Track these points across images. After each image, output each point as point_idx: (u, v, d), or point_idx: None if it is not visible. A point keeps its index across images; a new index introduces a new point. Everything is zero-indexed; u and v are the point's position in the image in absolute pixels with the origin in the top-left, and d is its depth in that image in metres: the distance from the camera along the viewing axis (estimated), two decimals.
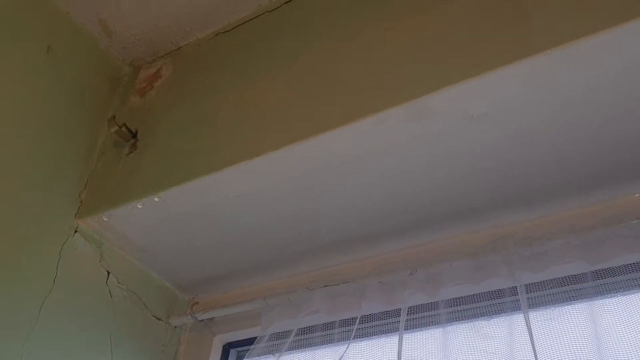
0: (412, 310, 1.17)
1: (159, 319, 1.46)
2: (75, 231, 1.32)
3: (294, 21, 1.33)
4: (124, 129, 1.38)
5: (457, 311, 1.12)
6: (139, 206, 1.26)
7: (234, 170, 1.17)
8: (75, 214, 1.33)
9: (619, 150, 1.01)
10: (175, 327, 1.48)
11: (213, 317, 1.45)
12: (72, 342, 1.24)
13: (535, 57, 0.92)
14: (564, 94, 0.95)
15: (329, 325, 1.27)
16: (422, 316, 1.16)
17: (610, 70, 0.91)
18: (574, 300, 1.04)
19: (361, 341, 1.22)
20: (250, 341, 1.41)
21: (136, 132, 1.39)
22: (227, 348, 1.47)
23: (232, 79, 1.33)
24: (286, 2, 1.38)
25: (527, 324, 1.00)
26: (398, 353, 1.10)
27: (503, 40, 0.96)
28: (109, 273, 1.36)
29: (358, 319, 1.20)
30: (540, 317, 1.04)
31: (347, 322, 1.23)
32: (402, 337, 1.12)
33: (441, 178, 1.11)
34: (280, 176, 1.16)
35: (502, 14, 1.00)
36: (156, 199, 1.24)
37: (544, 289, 1.06)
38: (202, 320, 1.44)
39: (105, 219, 1.30)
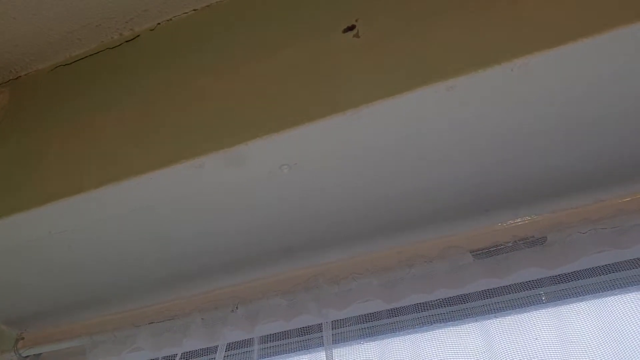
0: (230, 346, 1.22)
1: None
2: None
3: (131, 60, 1.35)
4: None
5: (269, 347, 1.18)
6: None
7: (57, 206, 1.16)
8: None
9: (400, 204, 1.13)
10: None
11: (41, 353, 1.42)
12: None
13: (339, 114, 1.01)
14: (363, 150, 1.05)
15: None
16: (238, 352, 1.21)
17: (405, 131, 1.02)
18: (372, 336, 1.14)
19: None
20: None
21: None
22: None
23: (66, 112, 1.32)
24: (127, 41, 1.40)
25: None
26: None
27: (311, 96, 1.05)
28: None
29: (179, 356, 1.23)
30: (343, 352, 1.13)
31: (169, 359, 1.25)
32: None
33: (260, 219, 1.18)
34: (103, 214, 1.17)
35: (313, 71, 1.09)
36: None
37: (346, 325, 1.15)
38: (26, 356, 1.40)
39: None
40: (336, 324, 1.16)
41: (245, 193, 1.13)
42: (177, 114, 1.17)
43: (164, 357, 1.27)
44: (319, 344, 1.14)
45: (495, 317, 1.07)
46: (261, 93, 1.12)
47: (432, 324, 1.09)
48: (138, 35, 1.40)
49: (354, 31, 1.09)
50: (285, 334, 1.22)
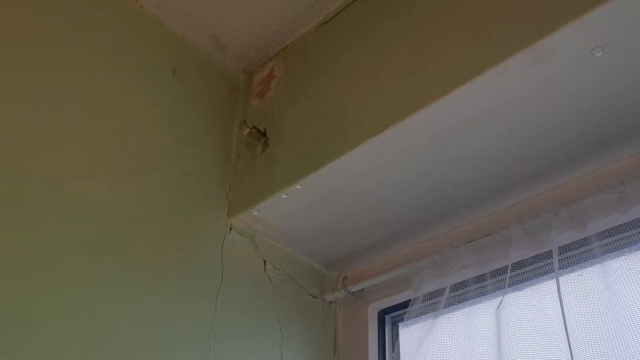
0: (563, 249, 1.19)
1: (315, 297, 1.58)
2: (231, 228, 1.46)
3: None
4: (254, 130, 1.50)
5: (612, 242, 1.13)
6: (283, 196, 1.37)
7: (364, 148, 1.24)
8: (227, 213, 1.47)
9: None
10: (330, 302, 1.60)
11: (363, 288, 1.55)
12: (248, 328, 1.38)
13: None
14: None
15: (480, 278, 1.31)
16: (575, 253, 1.17)
17: None
18: None
19: (516, 289, 1.25)
20: (402, 305, 1.49)
21: (265, 132, 1.51)
22: (382, 315, 1.56)
23: (342, 64, 1.40)
24: None
25: None
26: (558, 295, 1.13)
27: None
28: (265, 261, 1.49)
29: (509, 267, 1.24)
30: None
31: (499, 272, 1.27)
32: (558, 278, 1.15)
33: (572, 113, 1.12)
34: (408, 144, 1.22)
35: None
36: (298, 187, 1.34)
37: None
38: (354, 292, 1.55)
39: (255, 213, 1.43)
40: None
41: (553, 88, 1.08)
42: (460, 30, 1.16)
43: (492, 272, 1.29)
44: None
45: None
46: None
47: None
48: None
49: None
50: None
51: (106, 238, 1.22)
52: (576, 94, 1.09)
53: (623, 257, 1.12)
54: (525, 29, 1.04)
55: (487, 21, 1.12)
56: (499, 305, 1.23)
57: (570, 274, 1.17)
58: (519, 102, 1.11)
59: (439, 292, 1.35)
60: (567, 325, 1.07)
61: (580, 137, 1.16)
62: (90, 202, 1.22)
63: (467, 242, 1.33)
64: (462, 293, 1.34)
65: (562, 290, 1.13)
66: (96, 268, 1.17)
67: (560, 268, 1.16)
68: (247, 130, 1.49)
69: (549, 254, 1.19)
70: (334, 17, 1.52)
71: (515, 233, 1.25)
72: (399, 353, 1.41)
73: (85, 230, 1.19)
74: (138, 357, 1.16)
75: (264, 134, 1.51)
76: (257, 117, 1.57)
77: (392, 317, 1.56)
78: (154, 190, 1.36)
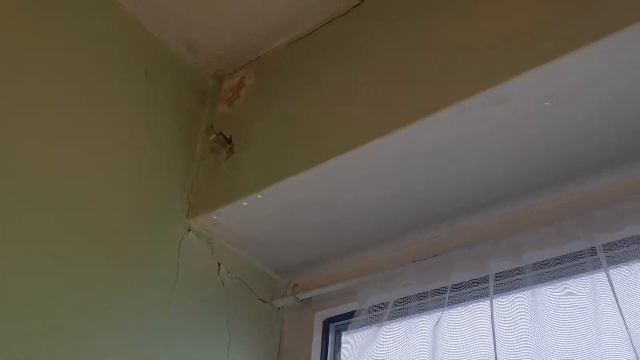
0: (499, 275, 1.30)
1: (264, 302, 1.64)
2: (189, 230, 1.50)
3: (362, 24, 1.45)
4: (220, 136, 1.54)
5: (543, 273, 1.24)
6: (244, 203, 1.42)
7: (327, 166, 1.31)
8: (187, 215, 1.51)
9: None
10: (278, 308, 1.66)
11: (312, 297, 1.62)
12: (198, 328, 1.43)
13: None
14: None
15: (422, 296, 1.40)
16: (509, 280, 1.28)
17: None
18: None
19: (454, 308, 1.35)
20: (346, 316, 1.57)
21: (231, 138, 1.56)
22: (326, 323, 1.63)
23: (312, 83, 1.47)
24: (355, 7, 1.50)
25: (608, 280, 1.11)
26: (491, 317, 1.23)
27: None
28: (219, 264, 1.54)
29: (449, 287, 1.34)
30: (620, 273, 1.15)
31: (440, 291, 1.36)
32: (492, 301, 1.25)
33: (522, 153, 1.23)
34: (368, 167, 1.30)
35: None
36: (259, 196, 1.40)
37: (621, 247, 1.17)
38: (302, 300, 1.61)
39: (214, 217, 1.48)
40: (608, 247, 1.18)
41: (506, 133, 1.18)
42: (428, 62, 1.25)
43: (433, 291, 1.38)
44: (594, 267, 1.17)
45: None
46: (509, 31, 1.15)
47: None
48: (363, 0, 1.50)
49: None
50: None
51: (66, 230, 1.24)
52: (526, 137, 1.19)
53: (552, 287, 1.23)
54: (485, 73, 1.13)
55: (453, 59, 1.21)
56: (437, 322, 1.32)
57: (504, 299, 1.28)
58: (476, 138, 1.20)
59: (383, 306, 1.43)
60: (497, 346, 1.18)
61: (525, 176, 1.27)
62: (53, 194, 1.25)
63: (413, 262, 1.42)
64: (404, 308, 1.42)
65: (494, 314, 1.23)
66: (53, 261, 1.19)
67: (494, 293, 1.26)
68: (213, 136, 1.53)
69: (485, 279, 1.29)
70: (307, 35, 1.59)
71: (457, 257, 1.35)
72: None
73: (46, 222, 1.21)
74: (88, 353, 1.18)
75: (229, 141, 1.56)
76: (224, 123, 1.62)
77: (336, 325, 1.64)
78: (115, 185, 1.39)
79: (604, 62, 1.04)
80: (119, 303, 1.28)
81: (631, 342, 1.04)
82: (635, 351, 1.02)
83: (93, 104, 1.42)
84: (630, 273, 1.13)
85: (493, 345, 1.19)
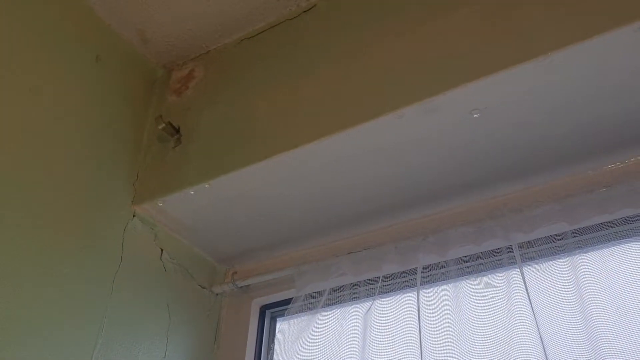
0: (426, 268, 1.42)
1: (204, 288, 1.70)
2: (134, 215, 1.54)
3: (311, 28, 1.54)
4: (168, 125, 1.59)
5: (465, 267, 1.38)
6: (191, 192, 1.48)
7: (273, 161, 1.38)
8: (132, 201, 1.55)
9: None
10: (217, 294, 1.72)
11: (250, 284, 1.69)
12: (140, 310, 1.47)
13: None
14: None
15: (355, 285, 1.51)
16: (435, 273, 1.41)
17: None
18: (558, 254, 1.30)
19: (384, 297, 1.46)
20: (282, 303, 1.66)
21: (179, 128, 1.60)
22: (263, 310, 1.71)
23: (261, 79, 1.54)
24: (305, 11, 1.59)
25: (521, 275, 1.26)
26: (417, 306, 1.35)
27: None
28: (162, 250, 1.59)
29: (380, 278, 1.45)
30: (532, 270, 1.30)
31: (372, 281, 1.47)
32: (419, 292, 1.37)
33: (447, 161, 1.35)
34: (310, 164, 1.38)
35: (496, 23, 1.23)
36: (206, 186, 1.46)
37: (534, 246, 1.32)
38: (241, 287, 1.68)
39: (160, 204, 1.52)
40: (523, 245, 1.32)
41: (438, 140, 1.30)
42: (370, 70, 1.35)
43: (365, 280, 1.49)
44: (510, 263, 1.32)
45: None
46: (446, 48, 1.27)
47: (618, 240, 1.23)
48: (314, 5, 1.58)
49: None
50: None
51: (8, 212, 1.26)
52: (455, 144, 1.32)
53: (472, 280, 1.37)
54: (421, 84, 1.25)
55: (395, 67, 1.32)
56: (368, 310, 1.43)
57: (429, 290, 1.40)
58: (411, 143, 1.32)
59: (318, 294, 1.53)
60: (422, 332, 1.30)
61: (454, 180, 1.40)
62: None
63: (348, 254, 1.53)
64: (338, 296, 1.53)
65: (420, 303, 1.35)
66: None
67: (421, 284, 1.39)
68: (162, 125, 1.57)
69: (414, 271, 1.41)
70: (257, 34, 1.66)
71: (389, 251, 1.47)
72: (273, 345, 1.57)
73: None
74: (29, 334, 1.20)
75: (177, 130, 1.60)
76: (172, 113, 1.66)
77: (272, 312, 1.72)
78: (60, 169, 1.41)
79: (526, 83, 1.18)
80: (62, 283, 1.30)
81: (538, 329, 1.18)
82: (541, 337, 1.17)
83: (41, 87, 1.43)
84: (541, 269, 1.28)
85: (418, 331, 1.31)
